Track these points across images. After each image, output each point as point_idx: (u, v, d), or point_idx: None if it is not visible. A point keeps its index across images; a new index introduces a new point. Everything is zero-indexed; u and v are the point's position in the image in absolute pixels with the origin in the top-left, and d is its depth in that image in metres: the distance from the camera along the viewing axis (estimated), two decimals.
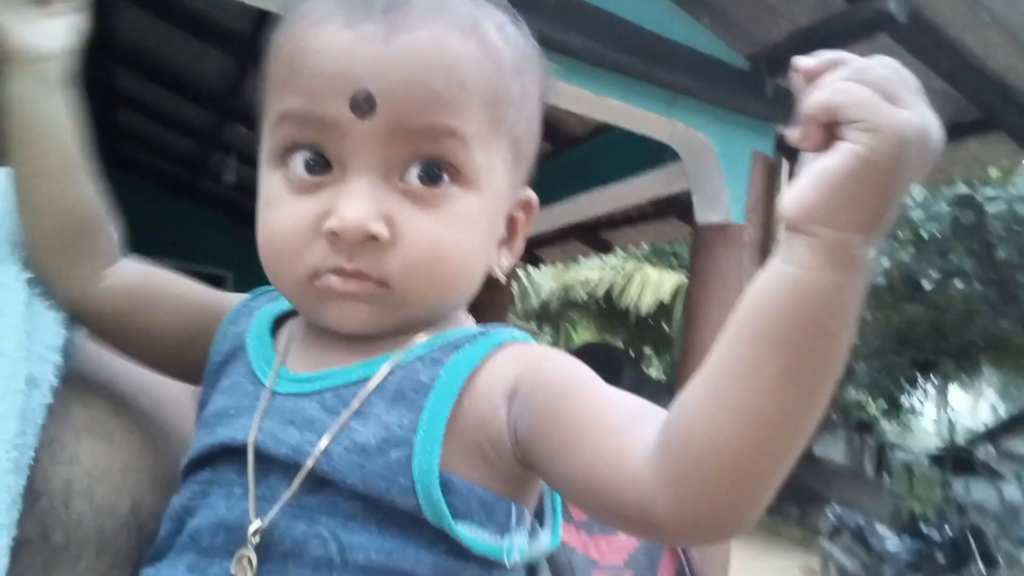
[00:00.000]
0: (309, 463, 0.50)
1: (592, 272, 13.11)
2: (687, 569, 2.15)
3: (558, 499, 0.60)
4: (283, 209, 0.54)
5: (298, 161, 0.54)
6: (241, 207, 8.47)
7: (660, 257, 13.09)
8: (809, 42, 2.77)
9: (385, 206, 0.52)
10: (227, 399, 0.57)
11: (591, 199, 4.12)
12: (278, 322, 0.62)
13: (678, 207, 4.34)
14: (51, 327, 0.54)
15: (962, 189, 8.01)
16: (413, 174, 0.52)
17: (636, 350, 15.25)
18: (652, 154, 3.41)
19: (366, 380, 0.53)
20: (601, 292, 13.03)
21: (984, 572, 7.71)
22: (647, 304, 12.22)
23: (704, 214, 3.13)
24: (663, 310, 12.49)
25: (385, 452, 0.50)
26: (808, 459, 15.08)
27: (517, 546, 0.52)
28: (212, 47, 4.74)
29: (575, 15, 2.61)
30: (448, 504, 0.49)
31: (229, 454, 0.53)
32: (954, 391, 16.67)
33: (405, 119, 0.51)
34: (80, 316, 0.61)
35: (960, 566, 8.04)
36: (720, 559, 2.86)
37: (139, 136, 7.52)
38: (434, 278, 0.53)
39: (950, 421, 16.36)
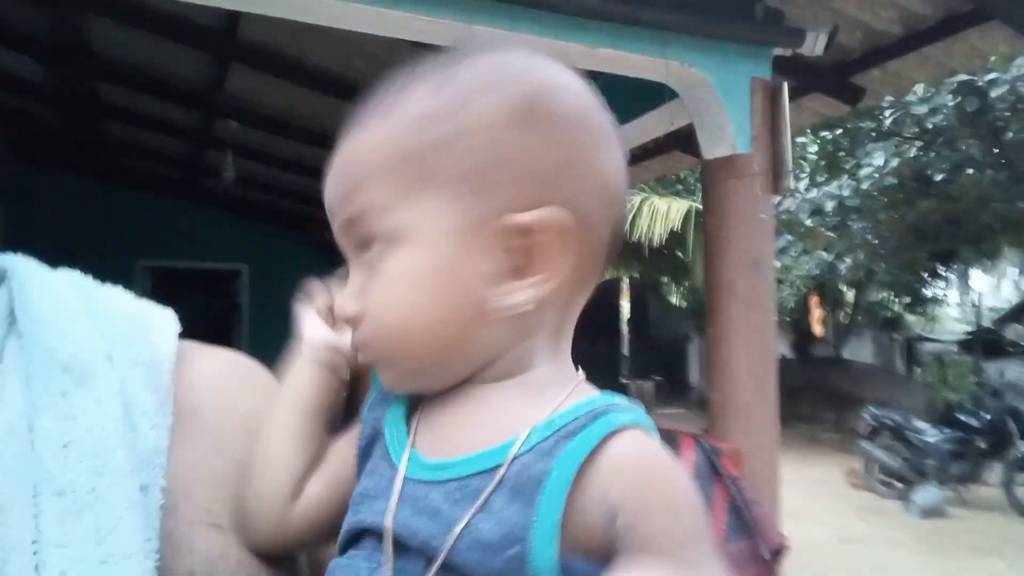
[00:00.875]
0: (440, 558, 0.53)
1: None
2: (737, 500, 2.21)
3: None
4: None
5: None
6: (245, 201, 8.48)
7: (666, 186, 13.01)
8: None
9: (362, 284, 0.59)
10: (368, 481, 0.61)
11: None
12: (413, 403, 0.65)
13: (680, 140, 4.30)
14: (147, 432, 0.57)
15: (963, 77, 7.85)
16: (364, 252, 0.60)
17: (654, 281, 15.29)
18: (650, 94, 3.38)
19: (488, 471, 0.55)
20: None
21: None
22: (659, 234, 12.19)
23: (710, 149, 3.10)
24: (675, 238, 12.46)
25: (504, 549, 0.52)
26: (838, 363, 15.14)
27: None
28: (189, 47, 4.70)
29: None
30: None
31: (370, 533, 0.58)
32: (975, 275, 16.56)
33: (338, 218, 0.60)
34: (277, 549, 0.66)
35: (1001, 448, 8.12)
36: (769, 483, 2.92)
37: (132, 146, 7.49)
38: (392, 337, 0.59)
39: (975, 304, 16.26)
